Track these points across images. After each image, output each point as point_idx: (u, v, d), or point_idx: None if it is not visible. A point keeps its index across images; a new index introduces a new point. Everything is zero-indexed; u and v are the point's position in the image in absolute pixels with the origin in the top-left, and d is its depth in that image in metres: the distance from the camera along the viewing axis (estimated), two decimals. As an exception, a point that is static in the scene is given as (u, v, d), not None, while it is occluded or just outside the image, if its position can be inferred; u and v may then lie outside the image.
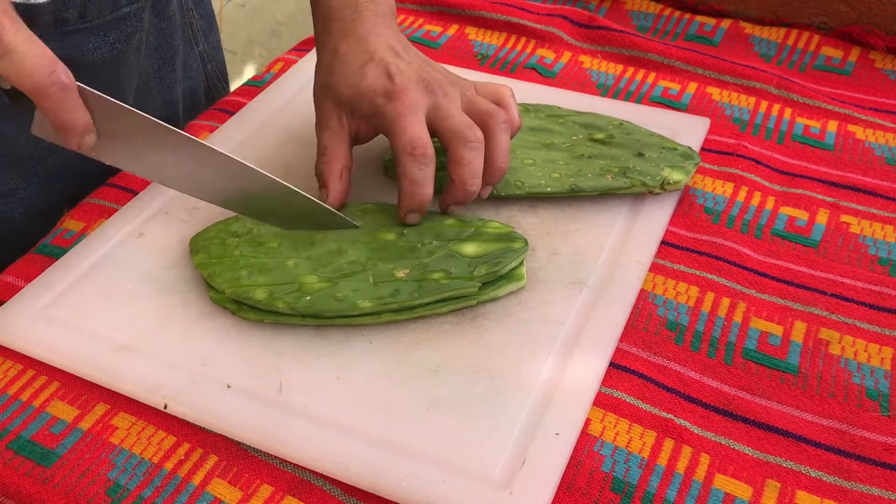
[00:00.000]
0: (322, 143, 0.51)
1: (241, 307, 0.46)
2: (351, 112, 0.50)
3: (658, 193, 0.53)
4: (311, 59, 0.68)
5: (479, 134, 0.48)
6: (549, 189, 0.53)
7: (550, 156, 0.55)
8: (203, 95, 0.73)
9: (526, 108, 0.60)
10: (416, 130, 0.48)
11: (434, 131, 0.49)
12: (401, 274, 0.46)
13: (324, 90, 0.52)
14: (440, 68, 0.53)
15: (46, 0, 0.52)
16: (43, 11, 0.52)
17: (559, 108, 0.60)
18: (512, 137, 0.51)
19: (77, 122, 0.44)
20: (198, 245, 0.50)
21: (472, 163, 0.48)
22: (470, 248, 0.48)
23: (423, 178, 0.48)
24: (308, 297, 0.45)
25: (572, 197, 0.53)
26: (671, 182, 0.53)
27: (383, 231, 0.50)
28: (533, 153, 0.56)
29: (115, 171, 0.59)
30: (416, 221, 0.50)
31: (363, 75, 0.50)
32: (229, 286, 0.46)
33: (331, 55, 0.52)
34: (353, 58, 0.51)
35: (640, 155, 0.54)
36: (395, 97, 0.48)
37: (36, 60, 0.41)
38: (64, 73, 0.42)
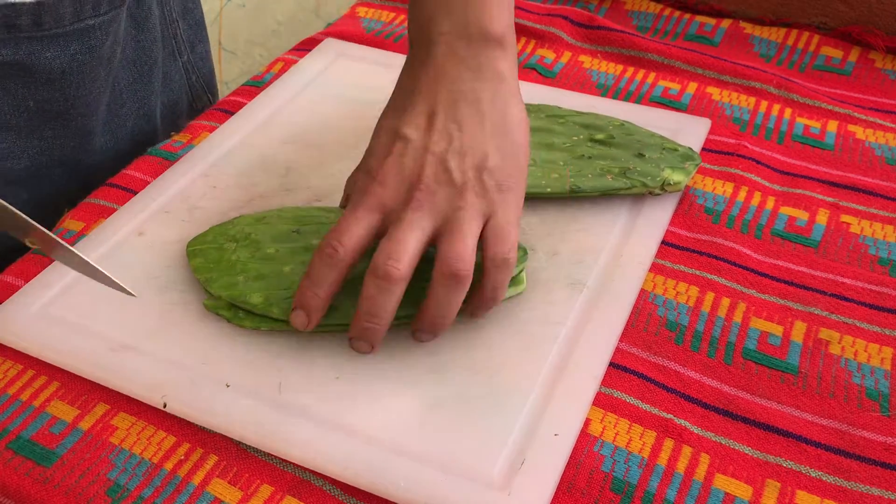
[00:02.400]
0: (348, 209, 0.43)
1: (236, 314, 0.46)
2: None
3: (658, 194, 0.53)
4: (311, 59, 0.68)
5: (398, 274, 0.39)
6: (549, 189, 0.53)
7: (551, 156, 0.55)
8: (186, 107, 0.71)
9: (528, 109, 0.59)
10: (343, 227, 0.40)
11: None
12: None
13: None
14: (477, 162, 0.41)
15: None
16: None
17: (560, 108, 0.60)
18: (482, 312, 0.44)
19: None
20: (195, 249, 0.50)
21: (373, 299, 0.40)
22: None
23: (321, 278, 0.41)
24: None
25: (572, 197, 0.53)
26: (671, 183, 0.53)
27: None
28: (533, 153, 0.56)
29: (88, 174, 0.59)
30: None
31: (378, 133, 0.43)
32: (226, 291, 0.46)
33: (398, 84, 0.45)
34: (391, 102, 0.44)
35: (641, 155, 0.54)
36: (368, 182, 0.41)
37: None
38: None
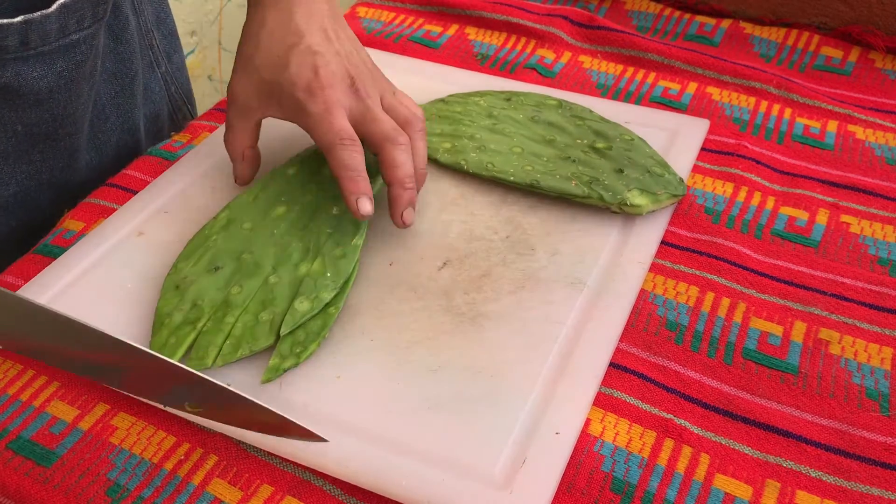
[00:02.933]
0: (228, 118, 0.52)
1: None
2: (268, 96, 0.50)
3: (616, 213, 0.52)
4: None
5: (406, 137, 0.49)
6: (512, 178, 0.54)
7: (541, 151, 0.56)
8: (167, 119, 0.70)
9: (560, 103, 0.60)
10: (340, 123, 0.48)
11: (360, 135, 0.49)
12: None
13: (245, 63, 0.51)
14: (367, 58, 0.52)
15: None
16: None
17: (591, 111, 0.60)
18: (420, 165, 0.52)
19: None
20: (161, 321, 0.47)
21: (405, 164, 0.49)
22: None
23: (355, 163, 0.48)
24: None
25: (572, 199, 0.53)
26: (630, 204, 0.51)
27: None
28: (527, 143, 0.57)
29: (72, 191, 0.59)
30: (367, 210, 0.47)
31: (287, 63, 0.49)
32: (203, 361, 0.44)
33: (258, 25, 0.51)
34: (279, 36, 0.50)
35: (620, 171, 0.54)
36: (318, 94, 0.48)
37: None
38: None
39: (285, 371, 0.44)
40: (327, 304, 0.46)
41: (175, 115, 0.71)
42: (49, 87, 0.53)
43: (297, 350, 0.44)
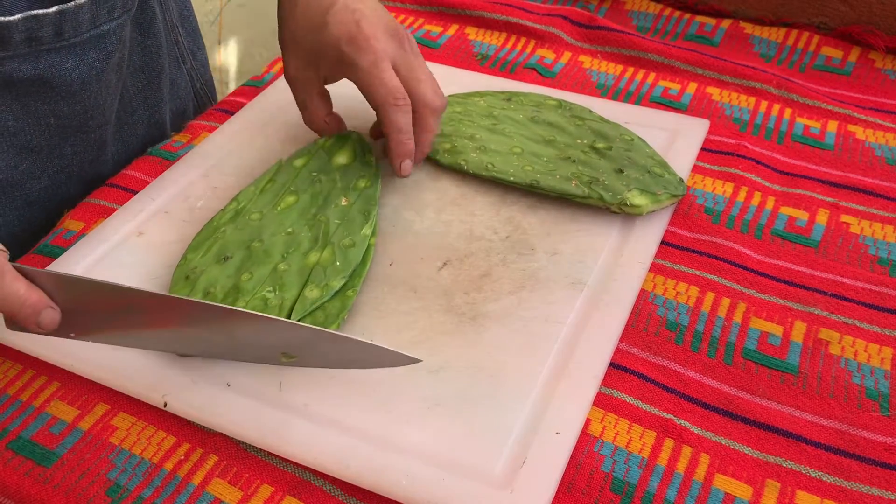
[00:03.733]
0: (298, 99, 0.54)
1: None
2: (317, 60, 0.51)
3: (616, 213, 0.52)
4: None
5: (444, 101, 0.52)
6: (511, 178, 0.54)
7: (542, 151, 0.56)
8: (192, 114, 0.71)
9: (560, 104, 0.61)
10: (393, 80, 0.48)
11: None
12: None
13: (288, 43, 0.52)
14: (393, 19, 0.53)
15: (18, 18, 0.48)
16: (14, 30, 0.49)
17: (590, 111, 0.60)
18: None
19: (20, 301, 0.38)
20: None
21: (433, 130, 0.52)
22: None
23: (408, 125, 0.49)
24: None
25: (571, 199, 0.53)
26: (630, 204, 0.52)
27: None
28: (528, 143, 0.57)
29: (97, 184, 0.59)
30: (409, 171, 0.52)
31: (326, 23, 0.50)
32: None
33: (291, 4, 0.53)
34: (314, 5, 0.51)
35: (620, 171, 0.54)
36: (364, 45, 0.49)
37: None
38: None
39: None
40: (345, 287, 0.47)
41: (200, 112, 0.71)
42: (81, 78, 0.54)
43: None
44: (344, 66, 0.50)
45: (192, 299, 0.41)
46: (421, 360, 0.42)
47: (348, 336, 0.41)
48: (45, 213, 0.59)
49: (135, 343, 0.43)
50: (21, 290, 0.38)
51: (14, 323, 0.40)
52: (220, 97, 0.73)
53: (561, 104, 0.61)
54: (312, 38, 0.50)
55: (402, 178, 0.52)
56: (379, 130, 0.57)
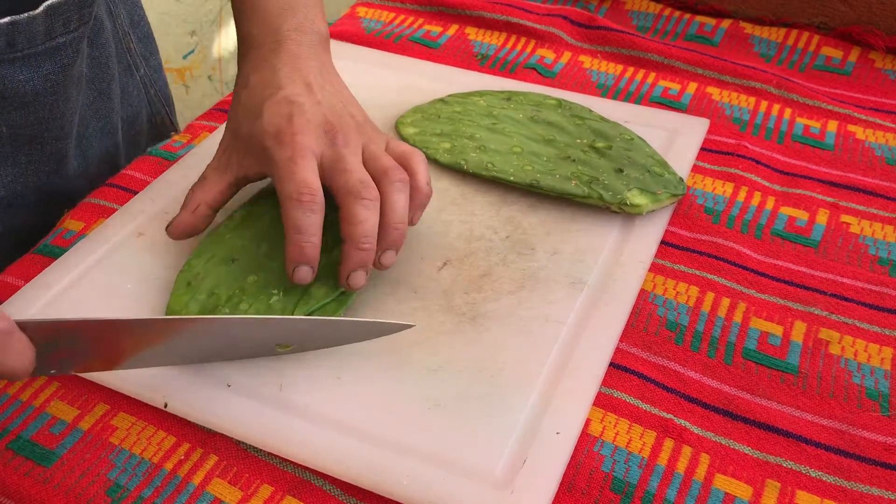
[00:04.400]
0: (205, 170, 0.49)
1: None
2: (245, 149, 0.48)
3: (617, 212, 0.52)
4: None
5: (376, 192, 0.45)
6: (511, 178, 0.54)
7: (541, 150, 0.56)
8: (146, 122, 0.69)
9: (559, 103, 0.61)
10: (305, 176, 0.44)
11: (327, 185, 0.45)
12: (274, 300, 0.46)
13: (230, 120, 0.49)
14: (357, 112, 0.49)
15: None
16: None
17: (590, 110, 0.60)
18: (420, 208, 0.48)
19: (21, 366, 0.37)
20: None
21: (364, 221, 0.44)
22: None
23: (311, 226, 0.44)
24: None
25: (571, 199, 0.53)
26: (630, 204, 0.52)
27: None
28: (527, 143, 0.57)
29: (59, 199, 0.58)
30: (308, 279, 0.45)
31: (262, 112, 0.47)
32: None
33: (242, 85, 0.50)
34: (260, 91, 0.48)
35: (619, 171, 0.54)
36: (286, 140, 0.45)
37: None
38: (1, 319, 0.36)
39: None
40: (343, 291, 0.46)
41: (154, 119, 0.70)
42: (35, 90, 0.52)
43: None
44: (265, 160, 0.46)
45: (174, 317, 0.40)
46: (414, 325, 0.44)
47: (341, 318, 0.43)
48: (2, 225, 0.57)
49: (125, 366, 0.43)
50: (25, 351, 0.38)
51: None
52: (220, 97, 0.73)
53: (560, 103, 0.61)
54: (247, 124, 0.47)
55: (300, 284, 0.45)
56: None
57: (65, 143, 0.58)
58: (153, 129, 0.69)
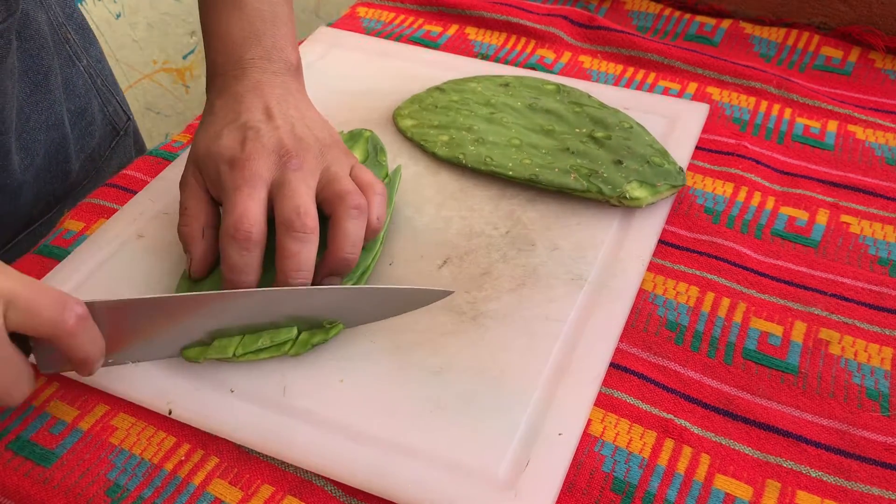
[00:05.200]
0: (181, 203, 0.47)
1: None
2: (204, 175, 0.47)
3: (616, 206, 0.53)
4: (304, 49, 0.68)
5: (311, 223, 0.43)
6: (510, 173, 0.54)
7: (540, 142, 0.56)
8: (98, 112, 0.68)
9: (558, 88, 0.61)
10: (246, 208, 0.43)
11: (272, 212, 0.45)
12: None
13: (193, 144, 0.48)
14: (323, 134, 0.48)
15: None
16: None
17: (589, 96, 0.60)
18: (368, 239, 0.47)
19: (98, 350, 0.40)
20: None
21: (295, 255, 0.43)
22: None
23: (243, 264, 0.43)
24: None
25: (570, 193, 0.53)
26: (629, 197, 0.52)
27: None
28: (526, 135, 0.57)
29: (6, 194, 0.57)
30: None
31: (219, 136, 0.46)
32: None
33: (207, 111, 0.49)
34: (222, 116, 0.47)
35: (619, 163, 0.54)
36: (238, 166, 0.44)
37: (43, 298, 0.37)
38: (77, 304, 0.38)
39: (313, 346, 0.44)
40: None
41: (106, 108, 0.69)
42: None
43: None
44: (218, 185, 0.45)
45: (241, 291, 0.43)
46: (453, 292, 0.46)
47: (380, 287, 0.44)
48: None
49: (169, 346, 0.44)
50: (98, 337, 0.40)
51: (54, 365, 0.40)
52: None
53: (559, 89, 0.60)
54: (203, 150, 0.46)
55: None
56: None
57: (6, 137, 0.57)
58: (106, 119, 0.68)
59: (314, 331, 0.45)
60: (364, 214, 0.45)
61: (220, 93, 0.49)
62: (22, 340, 0.38)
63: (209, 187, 0.47)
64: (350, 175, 0.47)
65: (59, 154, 0.63)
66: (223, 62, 0.50)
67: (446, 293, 0.46)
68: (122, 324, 0.41)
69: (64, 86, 0.63)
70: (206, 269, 0.47)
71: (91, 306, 0.39)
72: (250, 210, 0.43)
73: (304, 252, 0.43)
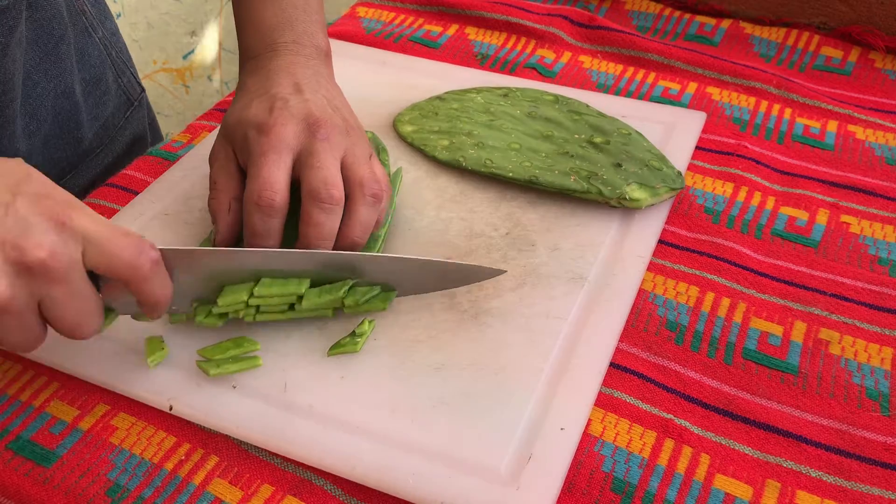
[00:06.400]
0: (211, 176, 0.48)
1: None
2: (233, 144, 0.48)
3: (615, 207, 0.53)
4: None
5: (338, 195, 0.44)
6: (510, 174, 0.54)
7: (539, 146, 0.56)
8: (113, 83, 0.69)
9: (556, 98, 0.61)
10: (270, 174, 0.44)
11: (298, 180, 0.45)
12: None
13: (224, 124, 0.50)
14: (349, 117, 0.49)
15: None
16: None
17: (587, 105, 0.60)
18: (375, 229, 0.48)
19: (167, 295, 0.40)
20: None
21: (321, 225, 0.44)
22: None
23: (265, 230, 0.44)
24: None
25: (570, 194, 0.53)
26: (629, 199, 0.52)
27: None
28: (525, 139, 0.57)
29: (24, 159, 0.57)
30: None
31: (248, 106, 0.47)
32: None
33: (239, 89, 0.51)
34: (253, 91, 0.49)
35: (618, 166, 0.54)
36: (265, 131, 0.45)
37: (121, 240, 0.37)
38: (151, 248, 0.39)
39: (364, 306, 0.46)
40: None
41: (120, 79, 0.70)
42: None
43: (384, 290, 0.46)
44: (246, 151, 0.46)
45: (297, 250, 0.44)
46: (505, 271, 0.47)
47: (437, 259, 0.46)
48: None
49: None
50: (168, 281, 0.40)
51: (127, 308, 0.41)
52: (220, 97, 0.74)
53: (558, 99, 0.61)
54: (233, 120, 0.48)
55: None
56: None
57: (14, 104, 0.58)
58: (120, 90, 0.70)
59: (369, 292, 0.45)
60: (379, 203, 0.47)
61: (251, 73, 0.51)
62: (93, 279, 0.38)
63: (237, 154, 0.48)
64: (364, 159, 0.48)
65: (70, 122, 0.63)
66: (256, 46, 0.52)
67: (499, 272, 0.47)
68: (190, 272, 0.42)
69: (78, 56, 0.64)
70: (233, 239, 0.48)
71: (162, 252, 0.40)
72: (275, 177, 0.44)
73: (328, 222, 0.44)
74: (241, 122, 0.47)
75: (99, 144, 0.68)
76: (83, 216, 0.37)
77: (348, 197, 0.46)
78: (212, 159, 0.49)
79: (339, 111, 0.49)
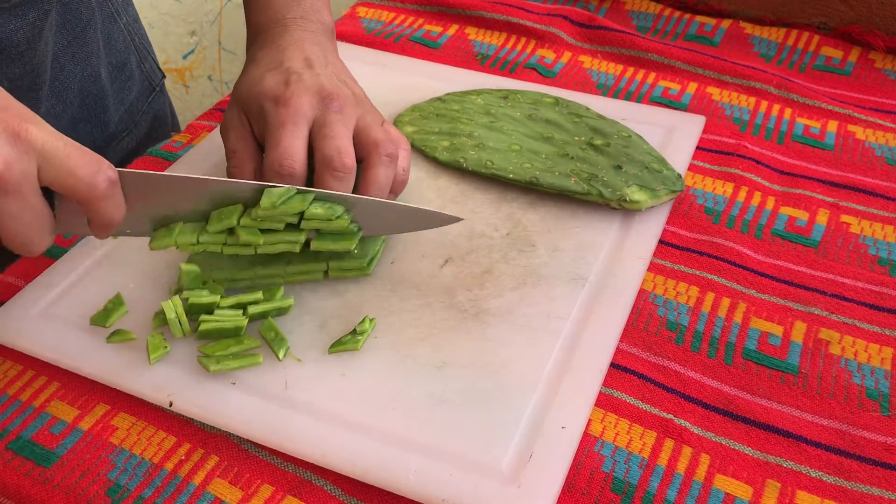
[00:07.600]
0: (229, 146, 0.49)
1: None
2: (248, 112, 0.49)
3: (616, 209, 0.53)
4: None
5: (350, 163, 0.46)
6: (511, 175, 0.54)
7: (540, 148, 0.56)
8: (136, 68, 0.70)
9: (556, 101, 0.61)
10: (290, 143, 0.45)
11: (313, 149, 0.47)
12: None
13: (234, 91, 0.51)
14: (357, 89, 0.51)
15: None
16: None
17: (587, 108, 0.60)
18: (394, 193, 0.50)
19: (120, 217, 0.41)
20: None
21: (330, 189, 0.46)
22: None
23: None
24: None
25: (571, 196, 0.53)
26: (629, 200, 0.52)
27: None
28: (526, 141, 0.57)
29: None
30: None
31: (262, 79, 0.49)
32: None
33: (249, 62, 0.52)
34: (264, 65, 0.50)
35: (618, 167, 0.54)
36: (282, 103, 0.47)
37: (80, 157, 0.38)
38: (109, 167, 0.39)
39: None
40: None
41: (143, 65, 0.71)
42: (26, 38, 0.54)
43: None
44: (262, 123, 0.47)
45: (258, 183, 0.45)
46: (463, 219, 0.49)
47: (400, 203, 0.47)
48: None
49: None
50: (122, 203, 0.41)
51: (68, 227, 0.41)
52: (220, 97, 0.74)
53: (558, 101, 0.61)
54: (246, 91, 0.49)
55: None
56: None
57: (45, 87, 0.59)
58: (143, 75, 0.71)
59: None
60: (394, 163, 0.48)
61: (261, 46, 0.52)
62: (47, 196, 0.38)
63: (253, 125, 0.49)
64: (376, 125, 0.49)
65: (97, 105, 0.65)
66: (265, 22, 0.53)
67: (456, 219, 0.48)
68: (146, 196, 0.42)
69: (105, 40, 0.65)
70: (252, 177, 0.49)
71: (120, 175, 0.40)
72: (294, 146, 0.46)
73: (341, 189, 0.46)
74: (255, 95, 0.48)
75: (124, 129, 0.69)
76: (42, 130, 0.37)
77: (364, 159, 0.47)
78: (226, 129, 0.50)
79: (347, 85, 0.50)
